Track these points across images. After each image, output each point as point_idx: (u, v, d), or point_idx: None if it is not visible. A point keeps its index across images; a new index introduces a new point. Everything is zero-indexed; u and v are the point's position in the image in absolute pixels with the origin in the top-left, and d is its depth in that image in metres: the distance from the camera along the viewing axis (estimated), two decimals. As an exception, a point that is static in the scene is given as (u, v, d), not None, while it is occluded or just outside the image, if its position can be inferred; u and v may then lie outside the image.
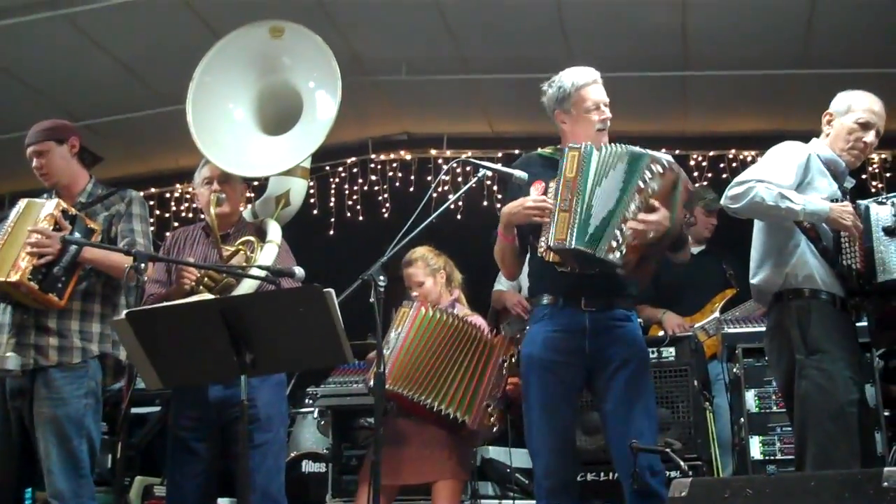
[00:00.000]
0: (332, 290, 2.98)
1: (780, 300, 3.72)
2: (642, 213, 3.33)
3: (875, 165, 7.28)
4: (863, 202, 3.67)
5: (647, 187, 3.34)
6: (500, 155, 7.11)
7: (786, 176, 3.62)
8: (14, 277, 3.63)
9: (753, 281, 3.84)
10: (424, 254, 4.38)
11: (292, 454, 5.28)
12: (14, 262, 3.65)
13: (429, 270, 4.39)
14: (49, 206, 3.78)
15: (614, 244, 3.30)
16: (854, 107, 3.78)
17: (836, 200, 3.63)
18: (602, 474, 4.37)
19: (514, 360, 4.05)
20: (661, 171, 3.35)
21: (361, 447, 4.97)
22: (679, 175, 3.41)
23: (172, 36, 5.83)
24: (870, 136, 3.75)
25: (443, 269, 4.44)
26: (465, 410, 3.98)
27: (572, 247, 3.32)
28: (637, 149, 3.42)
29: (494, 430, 4.16)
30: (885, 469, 2.61)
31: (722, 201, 3.70)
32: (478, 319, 4.38)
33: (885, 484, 2.56)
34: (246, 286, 3.79)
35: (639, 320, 3.84)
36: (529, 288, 3.82)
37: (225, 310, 3.00)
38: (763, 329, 3.97)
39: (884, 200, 3.62)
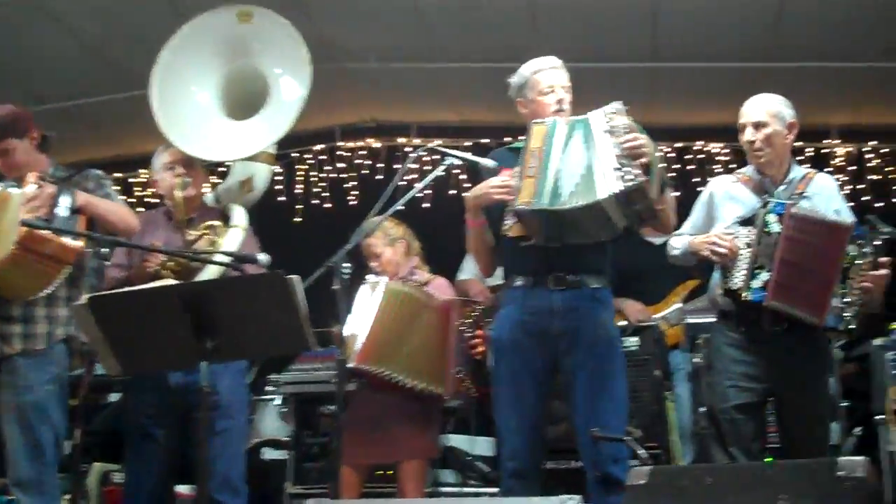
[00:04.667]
0: (296, 277, 2.97)
1: None
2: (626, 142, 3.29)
3: (840, 159, 7.37)
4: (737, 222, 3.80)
5: (618, 126, 3.32)
6: (469, 144, 7.07)
7: (690, 222, 4.02)
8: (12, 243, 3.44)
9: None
10: (383, 224, 4.34)
11: (253, 441, 5.27)
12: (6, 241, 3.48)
13: (388, 240, 4.36)
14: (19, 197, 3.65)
15: (622, 174, 3.23)
16: (739, 121, 3.91)
17: (754, 217, 3.72)
18: (565, 462, 4.38)
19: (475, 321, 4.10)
20: (615, 112, 3.36)
21: (323, 434, 4.96)
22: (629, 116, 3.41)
23: (139, 18, 5.76)
24: (746, 136, 3.85)
25: (402, 239, 4.42)
26: (439, 383, 4.00)
27: (538, 206, 3.30)
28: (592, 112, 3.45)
29: (470, 394, 4.17)
30: (840, 459, 2.65)
31: None
32: (440, 282, 4.40)
33: (840, 473, 2.60)
34: (210, 272, 3.77)
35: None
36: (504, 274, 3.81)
37: (187, 295, 2.98)
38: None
39: (750, 216, 3.75)
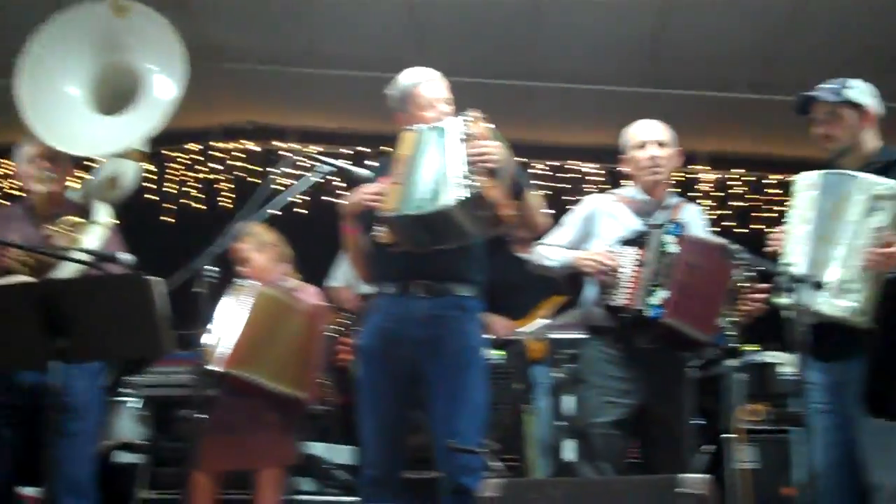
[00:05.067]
0: (156, 279, 2.92)
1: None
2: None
3: (706, 185, 7.64)
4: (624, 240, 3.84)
5: (469, 132, 3.34)
6: (346, 151, 7.09)
7: (562, 235, 4.00)
8: None
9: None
10: (254, 230, 4.31)
11: (107, 444, 5.14)
12: None
13: (258, 245, 4.34)
14: None
15: (463, 182, 3.25)
16: (628, 141, 3.99)
17: (645, 236, 3.78)
18: (425, 472, 4.40)
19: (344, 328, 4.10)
20: (472, 119, 3.37)
21: (180, 439, 4.87)
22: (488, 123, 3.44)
23: (9, 4, 5.59)
24: (648, 151, 3.93)
25: (273, 245, 4.40)
26: (302, 388, 3.99)
27: (403, 213, 3.32)
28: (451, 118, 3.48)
29: (330, 401, 4.15)
30: (681, 476, 2.75)
31: None
32: (309, 291, 4.38)
33: (680, 490, 2.70)
34: (68, 269, 3.66)
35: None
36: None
37: (39, 293, 2.91)
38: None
39: (638, 236, 3.79)
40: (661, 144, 3.94)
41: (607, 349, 3.84)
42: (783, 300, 3.29)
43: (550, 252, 3.95)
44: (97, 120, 4.24)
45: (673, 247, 3.71)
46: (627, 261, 3.75)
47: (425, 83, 3.68)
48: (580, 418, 3.83)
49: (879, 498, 3.20)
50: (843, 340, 3.23)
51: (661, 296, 3.66)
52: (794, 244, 3.37)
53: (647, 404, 3.78)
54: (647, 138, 3.95)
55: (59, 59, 4.26)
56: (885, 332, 3.17)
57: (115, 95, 4.27)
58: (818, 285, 3.24)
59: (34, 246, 3.69)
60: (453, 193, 3.24)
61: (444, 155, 3.35)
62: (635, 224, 3.89)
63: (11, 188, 7.44)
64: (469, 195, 3.23)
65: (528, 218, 3.65)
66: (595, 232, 3.95)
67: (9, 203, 4.10)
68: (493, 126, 3.43)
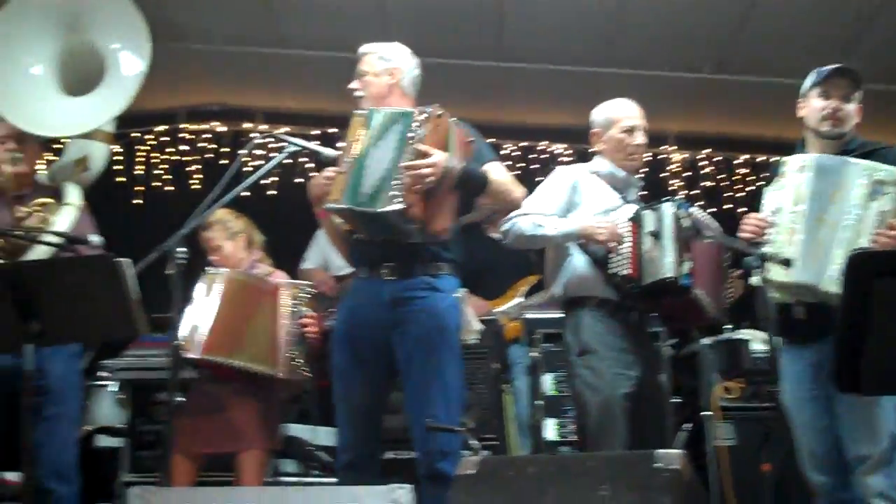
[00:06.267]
0: (126, 260, 2.90)
1: (563, 310, 3.94)
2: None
3: (675, 165, 7.69)
4: (640, 210, 3.82)
5: (416, 136, 3.27)
6: (315, 133, 7.06)
7: (548, 204, 3.88)
8: None
9: (546, 296, 4.10)
10: (222, 217, 4.24)
11: (86, 428, 5.12)
12: None
13: (228, 234, 4.29)
14: None
15: (391, 194, 3.20)
16: (614, 118, 3.97)
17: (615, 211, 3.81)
18: (404, 452, 4.39)
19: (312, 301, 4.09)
20: (426, 117, 3.31)
21: (159, 422, 4.85)
22: (449, 119, 3.39)
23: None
24: (638, 138, 3.95)
25: (242, 232, 4.35)
26: (273, 364, 3.97)
27: (344, 206, 3.28)
28: (409, 108, 3.42)
29: (304, 375, 4.13)
30: (657, 451, 2.77)
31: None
32: (279, 276, 4.35)
33: (656, 465, 2.72)
34: (39, 251, 3.63)
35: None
36: None
37: (10, 275, 2.88)
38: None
39: (655, 206, 3.78)
40: (644, 130, 3.95)
41: (608, 319, 3.80)
42: (758, 280, 3.30)
43: (545, 221, 3.83)
44: (64, 101, 4.21)
45: (686, 221, 3.73)
46: (625, 231, 3.76)
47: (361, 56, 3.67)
48: (598, 389, 3.69)
49: (864, 469, 3.23)
50: (820, 320, 3.25)
51: (689, 266, 3.66)
52: (783, 226, 3.38)
53: (643, 378, 3.77)
54: (636, 123, 3.95)
55: (22, 39, 4.24)
56: (849, 306, 3.20)
57: (81, 76, 4.25)
58: (786, 262, 3.27)
59: (6, 229, 3.65)
60: (388, 202, 3.20)
61: (391, 151, 3.28)
62: (613, 198, 3.90)
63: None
64: (395, 210, 3.19)
65: (502, 197, 3.59)
66: (578, 202, 3.91)
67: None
68: (454, 124, 3.39)
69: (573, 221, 3.83)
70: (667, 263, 3.66)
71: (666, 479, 2.70)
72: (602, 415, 3.66)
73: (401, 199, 3.18)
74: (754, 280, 3.30)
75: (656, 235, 3.71)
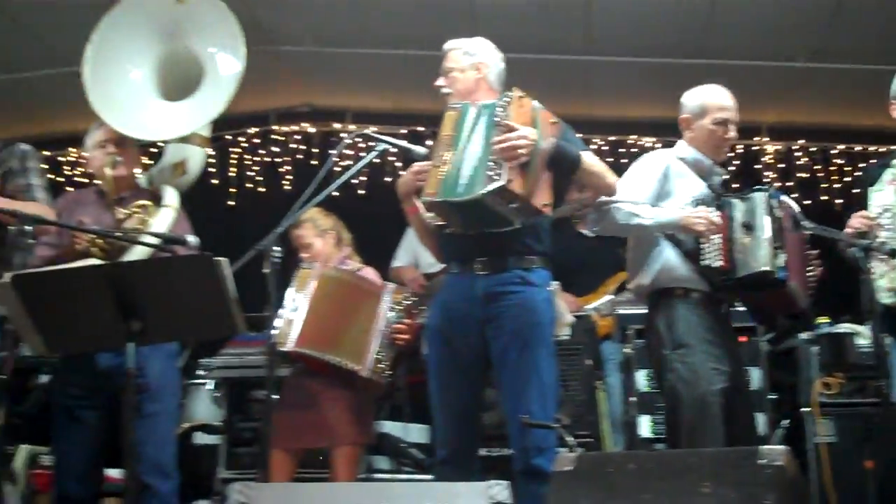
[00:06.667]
0: (224, 260, 2.93)
1: (651, 301, 3.83)
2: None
3: (769, 157, 7.52)
4: (728, 199, 3.72)
5: (502, 118, 3.26)
6: (404, 131, 7.07)
7: (641, 191, 3.74)
8: None
9: (630, 286, 3.97)
10: (313, 215, 4.30)
11: (185, 426, 5.22)
12: None
13: (318, 231, 4.34)
14: None
15: (489, 174, 3.17)
16: (708, 106, 3.84)
17: (704, 200, 3.71)
18: (499, 450, 4.37)
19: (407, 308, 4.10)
20: (507, 101, 3.30)
21: (255, 419, 4.93)
22: (533, 101, 3.36)
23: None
24: (731, 133, 3.83)
25: (332, 230, 4.40)
26: (358, 360, 3.99)
27: (441, 199, 3.27)
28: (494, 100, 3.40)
29: (387, 377, 4.14)
30: (761, 448, 2.70)
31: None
32: (369, 272, 4.39)
33: (761, 461, 2.66)
34: (138, 252, 3.71)
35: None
36: None
37: (113, 276, 2.93)
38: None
39: (747, 196, 3.67)
40: (736, 124, 3.85)
41: (700, 312, 3.70)
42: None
43: (639, 210, 3.69)
44: (163, 105, 4.29)
45: (778, 211, 3.63)
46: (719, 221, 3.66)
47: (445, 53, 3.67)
48: (693, 385, 3.58)
49: None
50: None
51: (784, 258, 3.56)
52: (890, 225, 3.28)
53: (732, 372, 3.67)
54: (729, 116, 3.83)
55: (123, 46, 4.32)
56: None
57: (180, 82, 4.32)
58: (892, 254, 3.18)
59: (107, 230, 3.74)
60: (484, 184, 3.17)
61: (482, 139, 3.27)
62: (701, 186, 3.80)
63: (79, 175, 7.56)
64: (496, 188, 3.16)
65: (596, 180, 3.54)
66: (671, 190, 3.80)
67: (79, 189, 4.14)
68: (537, 105, 3.36)
69: (671, 211, 3.71)
70: (761, 256, 3.55)
71: (769, 476, 2.63)
72: (698, 411, 3.55)
73: (499, 176, 3.16)
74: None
75: (749, 227, 3.60)
